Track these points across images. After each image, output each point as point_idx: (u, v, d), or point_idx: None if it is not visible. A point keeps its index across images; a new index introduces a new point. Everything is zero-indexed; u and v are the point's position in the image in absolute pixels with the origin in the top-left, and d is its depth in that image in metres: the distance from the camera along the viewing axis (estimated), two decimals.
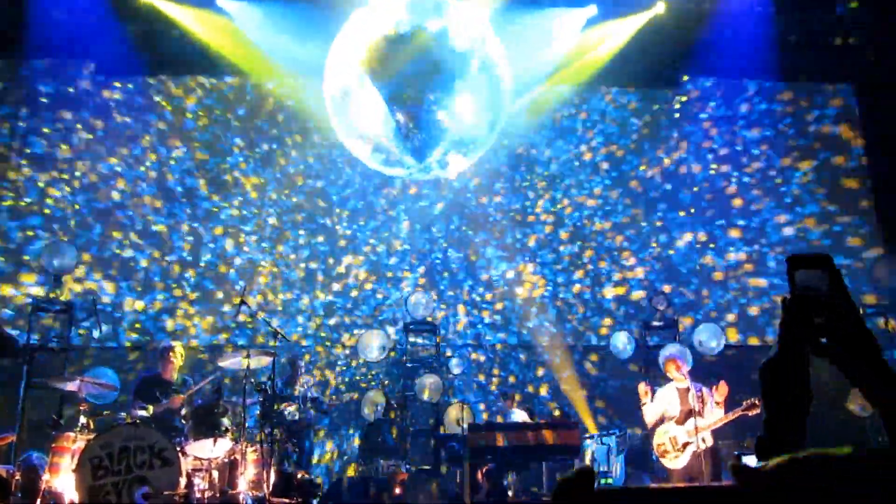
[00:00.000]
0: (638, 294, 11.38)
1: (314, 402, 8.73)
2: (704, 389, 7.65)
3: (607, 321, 11.34)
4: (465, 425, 8.52)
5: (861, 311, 1.12)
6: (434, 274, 11.40)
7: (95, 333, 8.85)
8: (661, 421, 7.66)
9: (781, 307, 1.16)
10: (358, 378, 10.81)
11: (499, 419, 9.75)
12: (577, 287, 11.49)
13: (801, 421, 1.10)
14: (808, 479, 0.86)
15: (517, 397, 9.87)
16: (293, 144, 11.58)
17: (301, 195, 11.44)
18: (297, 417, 8.40)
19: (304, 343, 10.83)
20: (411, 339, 10.48)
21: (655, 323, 10.52)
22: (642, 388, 7.87)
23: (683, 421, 7.48)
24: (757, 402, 7.26)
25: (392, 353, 10.45)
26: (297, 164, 11.50)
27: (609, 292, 11.47)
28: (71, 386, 7.34)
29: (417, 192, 11.61)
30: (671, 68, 11.83)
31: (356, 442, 9.70)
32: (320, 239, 11.34)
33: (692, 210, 11.75)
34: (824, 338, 1.12)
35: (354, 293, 11.23)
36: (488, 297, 11.38)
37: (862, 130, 11.92)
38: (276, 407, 7.60)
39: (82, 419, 6.93)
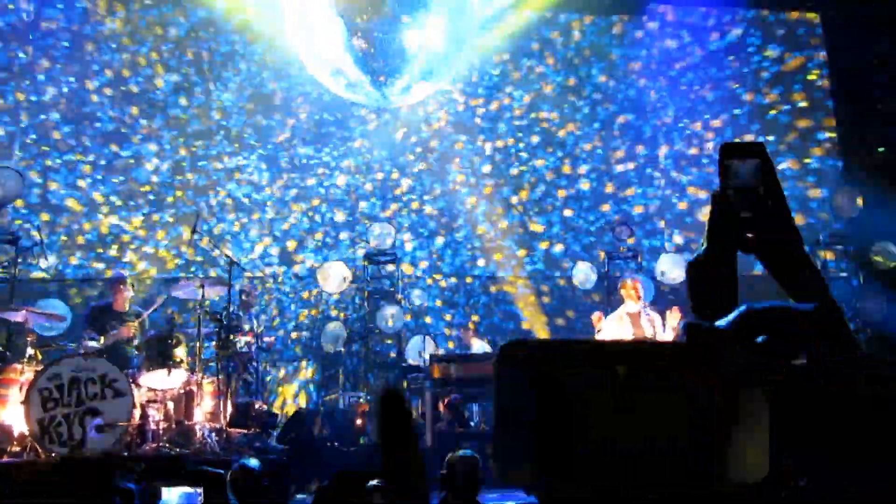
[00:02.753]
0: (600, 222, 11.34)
1: (258, 337, 8.49)
2: (654, 314, 7.58)
3: (568, 250, 11.29)
4: (427, 356, 8.47)
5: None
6: (394, 202, 11.19)
7: (42, 264, 8.49)
8: None
9: (711, 201, 1.08)
10: (317, 309, 10.65)
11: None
12: (541, 217, 11.39)
13: (725, 316, 1.05)
14: (769, 327, 0.80)
15: (473, 326, 9.77)
16: (249, 64, 11.06)
17: (257, 116, 11.00)
18: (245, 349, 8.21)
19: (261, 273, 10.60)
20: (372, 270, 10.30)
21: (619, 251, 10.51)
22: (595, 315, 7.78)
23: None
24: None
25: (352, 284, 10.26)
26: (251, 86, 11.04)
27: (573, 221, 11.41)
28: (17, 317, 7.07)
29: (377, 117, 11.29)
30: None
31: (316, 374, 9.60)
32: (276, 164, 11.00)
33: (657, 135, 11.67)
34: (751, 233, 1.06)
35: (313, 223, 10.98)
36: (450, 226, 11.23)
37: (827, 59, 11.83)
38: (230, 337, 7.39)
39: (29, 350, 6.69)
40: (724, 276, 1.07)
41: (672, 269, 10.19)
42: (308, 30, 9.58)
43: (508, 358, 0.78)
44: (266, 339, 8.70)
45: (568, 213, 11.43)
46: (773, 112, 11.68)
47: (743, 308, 0.86)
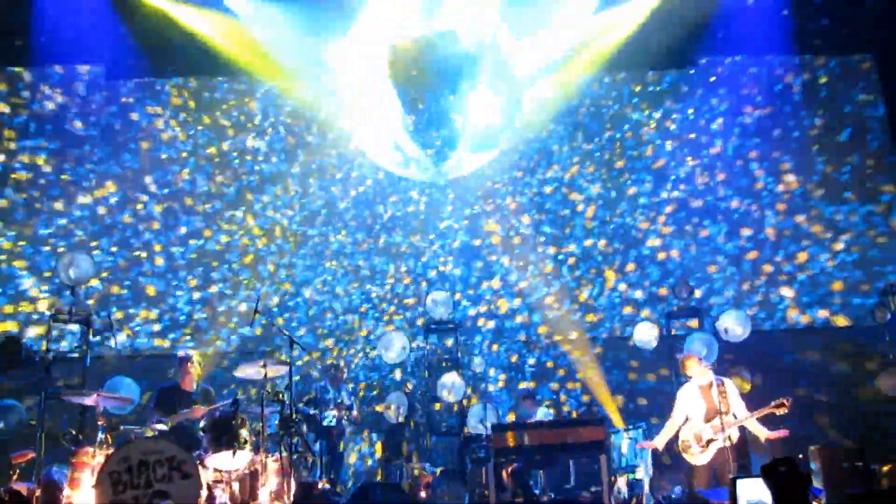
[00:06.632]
0: (659, 284, 11.17)
1: (348, 410, 8.74)
2: (727, 381, 7.46)
3: (628, 311, 11.11)
4: (489, 425, 8.38)
5: None
6: (451, 272, 11.23)
7: (112, 343, 8.78)
8: (686, 420, 7.53)
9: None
10: (378, 381, 10.71)
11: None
12: (598, 277, 11.27)
13: None
14: None
15: (531, 395, 9.64)
16: (305, 144, 11.41)
17: (315, 196, 11.29)
18: (333, 423, 8.55)
19: (323, 345, 10.76)
20: (432, 339, 10.32)
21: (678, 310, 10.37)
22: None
23: (710, 418, 7.28)
24: (786, 401, 7.00)
25: (412, 353, 10.30)
26: (309, 165, 11.35)
27: (629, 284, 11.24)
28: (88, 400, 7.25)
29: (431, 190, 11.42)
30: (686, 49, 11.50)
31: (379, 446, 9.59)
32: (335, 239, 11.21)
33: (718, 194, 11.48)
34: None
35: (373, 294, 11.10)
36: (504, 297, 11.19)
37: (886, 103, 11.59)
38: (293, 416, 7.46)
39: (100, 435, 6.84)
40: None
41: (735, 326, 9.91)
42: (362, 109, 9.89)
43: None
44: (353, 413, 8.89)
45: (628, 270, 11.27)
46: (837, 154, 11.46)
47: None
